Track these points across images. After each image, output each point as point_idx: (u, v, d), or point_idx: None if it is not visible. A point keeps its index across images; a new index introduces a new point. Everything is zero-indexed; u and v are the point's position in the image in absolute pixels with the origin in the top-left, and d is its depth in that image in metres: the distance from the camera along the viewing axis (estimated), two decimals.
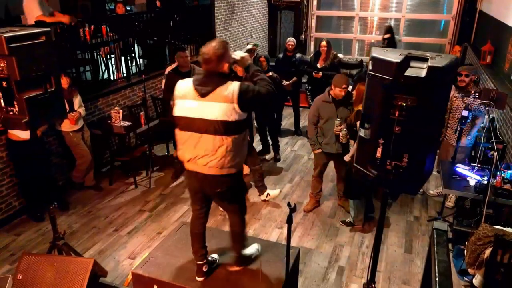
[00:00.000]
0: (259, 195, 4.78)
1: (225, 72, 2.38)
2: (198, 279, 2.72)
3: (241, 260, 2.82)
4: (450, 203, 4.57)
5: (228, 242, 3.05)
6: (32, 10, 4.80)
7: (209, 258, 2.80)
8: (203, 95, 2.32)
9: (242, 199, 2.74)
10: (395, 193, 4.80)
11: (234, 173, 2.46)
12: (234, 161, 2.40)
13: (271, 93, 2.39)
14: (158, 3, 7.35)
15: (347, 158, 4.14)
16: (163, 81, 5.23)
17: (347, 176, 4.10)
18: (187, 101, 2.37)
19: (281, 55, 6.69)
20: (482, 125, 4.64)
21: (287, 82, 6.44)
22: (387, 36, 8.01)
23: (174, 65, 5.15)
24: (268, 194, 4.77)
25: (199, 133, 2.35)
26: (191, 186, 2.64)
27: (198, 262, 2.71)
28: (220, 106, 2.28)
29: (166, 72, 5.19)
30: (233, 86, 2.31)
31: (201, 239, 2.71)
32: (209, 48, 2.31)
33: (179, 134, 2.45)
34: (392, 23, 9.56)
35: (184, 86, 2.42)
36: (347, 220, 4.38)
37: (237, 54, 2.52)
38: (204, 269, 2.71)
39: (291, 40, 6.47)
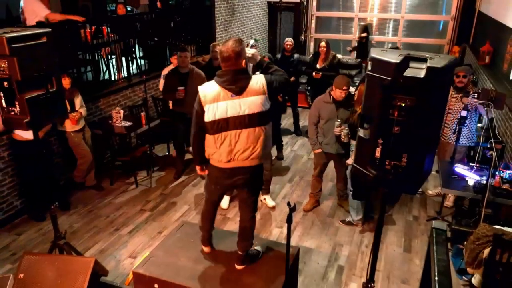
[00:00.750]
0: None
1: (245, 68, 2.49)
2: (205, 249, 2.97)
3: (245, 259, 2.84)
4: (449, 202, 4.59)
5: (228, 241, 3.07)
6: (40, 10, 4.79)
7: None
8: (238, 93, 2.42)
9: (258, 195, 2.82)
10: (394, 194, 4.82)
11: (262, 162, 2.63)
12: (268, 150, 2.60)
13: (287, 80, 2.63)
14: (159, 4, 7.37)
15: (350, 161, 4.15)
16: (161, 82, 5.24)
17: (353, 177, 4.11)
18: (220, 103, 2.43)
19: (279, 56, 6.71)
20: (480, 125, 4.66)
21: None
22: (364, 35, 8.71)
23: (171, 66, 5.16)
24: (264, 198, 4.75)
25: (239, 129, 2.44)
26: (222, 180, 2.66)
27: (206, 236, 2.95)
28: (257, 99, 2.42)
29: (165, 72, 5.21)
30: (260, 79, 2.47)
31: (213, 221, 2.95)
32: (228, 46, 2.40)
33: (213, 138, 2.48)
34: (392, 23, 9.60)
35: (211, 91, 2.46)
36: (346, 219, 4.40)
37: (249, 52, 2.62)
38: (211, 241, 2.99)
39: (289, 40, 6.49)
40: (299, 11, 10.14)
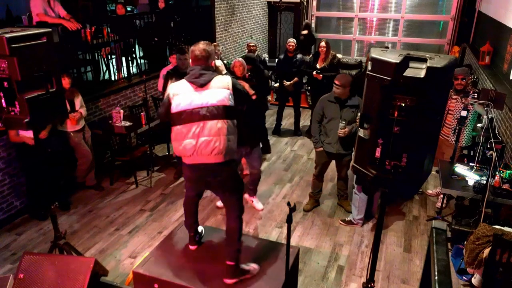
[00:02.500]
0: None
1: (213, 68, 2.65)
2: (191, 247, 3.00)
3: (235, 272, 2.65)
4: (439, 203, 4.59)
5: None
6: (35, 7, 4.79)
7: (198, 229, 3.06)
8: (201, 85, 2.54)
9: (240, 193, 2.79)
10: (392, 195, 4.81)
11: (231, 160, 2.63)
12: (232, 147, 2.58)
13: (248, 94, 2.90)
14: (161, 4, 7.35)
15: None
16: (161, 82, 5.24)
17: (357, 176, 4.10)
18: (185, 95, 2.55)
19: (282, 56, 6.72)
20: (480, 125, 4.66)
21: (288, 83, 6.47)
22: (304, 32, 9.31)
23: (170, 66, 5.16)
24: (252, 201, 4.70)
25: (202, 121, 2.51)
26: (192, 178, 2.73)
27: (191, 234, 2.99)
28: (219, 92, 2.54)
29: (164, 72, 5.20)
30: (226, 77, 2.63)
31: (193, 215, 2.98)
32: (199, 47, 2.60)
33: (178, 130, 2.57)
34: (391, 23, 9.60)
35: (178, 85, 2.61)
36: (347, 219, 4.40)
37: (217, 63, 2.86)
38: (196, 238, 3.02)
39: (291, 41, 6.49)
40: (299, 11, 10.14)
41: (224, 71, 2.84)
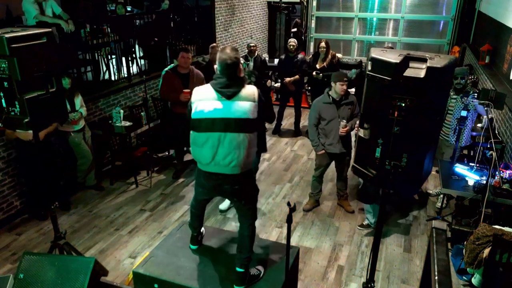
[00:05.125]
0: None
1: (241, 77, 2.57)
2: (192, 247, 3.02)
3: (244, 278, 2.66)
4: (439, 203, 4.59)
5: (228, 241, 3.07)
6: (28, 12, 4.81)
7: (202, 230, 3.10)
8: (228, 97, 2.45)
9: (255, 202, 2.77)
10: (392, 195, 4.80)
11: (249, 170, 2.61)
12: (251, 158, 2.54)
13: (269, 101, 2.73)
14: None
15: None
16: (161, 82, 5.23)
17: (363, 182, 4.08)
18: (209, 102, 2.46)
19: (283, 56, 6.72)
20: (480, 125, 4.67)
21: (289, 79, 6.46)
22: (293, 30, 9.84)
23: (172, 65, 5.15)
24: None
25: (223, 132, 2.44)
26: (206, 186, 2.66)
27: (193, 234, 3.00)
28: (246, 105, 2.45)
29: (164, 72, 5.19)
30: (253, 88, 2.54)
31: (200, 218, 2.98)
32: (230, 55, 2.47)
33: (197, 136, 2.50)
34: (391, 23, 9.60)
35: (204, 90, 2.52)
36: (364, 223, 4.31)
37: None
38: (199, 238, 3.04)
39: (292, 41, 6.49)
40: (292, 11, 10.22)
41: (242, 73, 2.72)
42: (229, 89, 2.45)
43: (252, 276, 2.71)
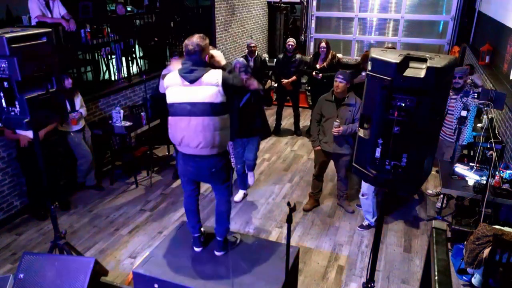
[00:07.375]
0: None
1: (207, 62, 2.64)
2: (196, 249, 3.01)
3: (224, 245, 2.95)
4: (439, 203, 4.59)
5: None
6: (33, 10, 4.81)
7: (202, 230, 3.07)
8: (191, 81, 2.56)
9: (229, 180, 2.90)
10: (392, 195, 4.79)
11: (222, 152, 2.73)
12: (221, 140, 2.64)
13: (243, 86, 2.87)
14: None
15: None
16: (161, 82, 5.24)
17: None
18: (176, 88, 2.61)
19: (281, 56, 6.72)
20: (480, 125, 4.66)
21: (286, 80, 6.48)
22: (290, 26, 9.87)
23: (171, 67, 5.15)
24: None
25: (188, 116, 2.58)
26: (186, 171, 2.82)
27: (194, 235, 2.99)
28: (208, 88, 2.54)
29: (166, 72, 5.20)
30: (217, 72, 2.59)
31: (196, 214, 2.99)
32: (192, 41, 2.57)
33: (171, 120, 2.68)
34: (391, 23, 9.60)
35: (171, 76, 2.66)
36: (364, 224, 4.32)
37: (215, 53, 2.76)
38: (202, 239, 3.02)
39: (291, 41, 6.50)
40: (290, 11, 10.23)
41: (223, 62, 2.76)
42: (191, 73, 2.56)
43: (231, 243, 3.00)
